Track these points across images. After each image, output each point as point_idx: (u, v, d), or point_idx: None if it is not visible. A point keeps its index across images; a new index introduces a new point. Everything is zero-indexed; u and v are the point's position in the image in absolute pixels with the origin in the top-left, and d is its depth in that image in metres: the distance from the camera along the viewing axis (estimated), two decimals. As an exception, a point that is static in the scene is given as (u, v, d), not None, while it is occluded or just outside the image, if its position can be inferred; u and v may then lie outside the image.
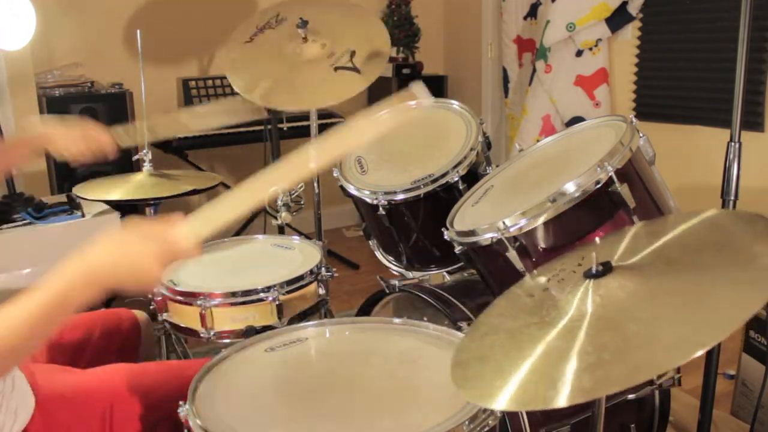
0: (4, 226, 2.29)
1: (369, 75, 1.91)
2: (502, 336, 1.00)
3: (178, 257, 0.96)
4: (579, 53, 3.38)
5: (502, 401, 0.85)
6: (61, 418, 1.19)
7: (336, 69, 1.93)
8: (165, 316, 1.74)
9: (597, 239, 1.08)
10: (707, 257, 0.94)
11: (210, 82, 3.62)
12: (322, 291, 1.79)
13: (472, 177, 1.71)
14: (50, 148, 1.49)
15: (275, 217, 2.20)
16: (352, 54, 1.96)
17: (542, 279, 1.10)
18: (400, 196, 1.71)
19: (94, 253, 0.94)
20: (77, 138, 1.50)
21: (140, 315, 1.66)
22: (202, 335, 1.66)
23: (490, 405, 0.87)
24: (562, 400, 0.79)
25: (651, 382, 1.50)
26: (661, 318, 0.85)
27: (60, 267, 0.92)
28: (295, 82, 1.98)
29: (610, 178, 1.30)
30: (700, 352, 0.75)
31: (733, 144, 1.46)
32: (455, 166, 1.69)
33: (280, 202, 2.17)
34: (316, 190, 2.20)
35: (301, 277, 1.71)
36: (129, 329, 1.60)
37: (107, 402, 1.23)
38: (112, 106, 3.11)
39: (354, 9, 2.15)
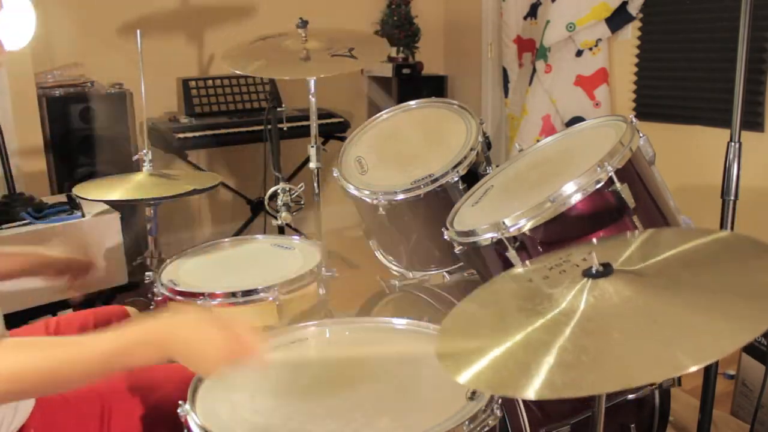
0: (4, 226, 2.29)
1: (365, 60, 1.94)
2: (492, 314, 1.00)
3: (242, 355, 0.99)
4: (579, 53, 3.38)
5: (470, 377, 0.86)
6: (59, 416, 1.19)
7: (332, 56, 1.94)
8: (165, 316, 1.74)
9: (594, 240, 1.08)
10: (709, 280, 0.93)
11: (210, 82, 3.62)
12: (322, 291, 1.79)
13: (472, 177, 1.71)
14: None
15: (275, 217, 2.20)
16: (351, 50, 1.97)
17: (543, 265, 1.09)
18: (400, 196, 1.71)
19: (171, 321, 1.00)
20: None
21: (132, 311, 1.66)
22: (202, 335, 1.66)
23: (459, 378, 0.88)
24: (530, 392, 0.80)
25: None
26: (646, 333, 0.85)
27: (137, 324, 0.98)
28: (291, 63, 1.99)
29: (610, 178, 1.30)
30: (673, 375, 0.76)
31: (733, 144, 1.46)
32: (455, 166, 1.69)
33: (280, 202, 2.17)
34: (316, 190, 2.20)
35: (301, 277, 1.71)
36: (122, 324, 1.60)
37: (106, 401, 1.23)
38: (112, 106, 3.11)
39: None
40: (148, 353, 0.95)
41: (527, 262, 1.20)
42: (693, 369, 0.75)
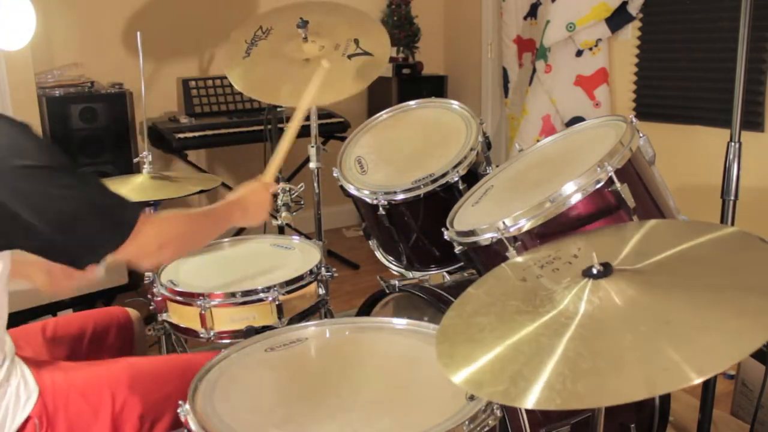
0: (4, 226, 2.29)
1: (368, 74, 1.90)
2: (492, 319, 0.99)
3: (269, 198, 1.52)
4: (579, 53, 3.38)
5: (471, 384, 0.86)
6: (63, 409, 1.20)
7: (350, 57, 1.92)
8: (165, 316, 1.74)
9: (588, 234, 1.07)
10: (715, 279, 0.91)
11: (210, 82, 3.62)
12: (322, 291, 1.79)
13: (472, 177, 1.71)
14: None
15: (275, 217, 2.20)
16: (357, 42, 1.94)
17: (534, 264, 1.09)
18: (400, 196, 1.71)
19: (240, 193, 1.48)
20: None
21: (133, 312, 1.66)
22: (202, 335, 1.66)
23: (456, 381, 0.88)
24: (529, 402, 0.80)
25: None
26: (649, 341, 0.82)
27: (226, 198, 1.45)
28: (304, 80, 1.94)
29: (610, 178, 1.30)
30: (673, 389, 0.74)
31: (733, 144, 1.46)
32: (455, 166, 1.69)
33: (280, 202, 2.17)
34: (316, 190, 2.20)
35: (301, 277, 1.71)
36: (122, 326, 1.61)
37: (109, 395, 1.24)
38: (112, 106, 3.11)
39: (348, 11, 2.12)
40: (236, 214, 1.44)
41: (516, 257, 1.18)
42: (690, 384, 0.73)
